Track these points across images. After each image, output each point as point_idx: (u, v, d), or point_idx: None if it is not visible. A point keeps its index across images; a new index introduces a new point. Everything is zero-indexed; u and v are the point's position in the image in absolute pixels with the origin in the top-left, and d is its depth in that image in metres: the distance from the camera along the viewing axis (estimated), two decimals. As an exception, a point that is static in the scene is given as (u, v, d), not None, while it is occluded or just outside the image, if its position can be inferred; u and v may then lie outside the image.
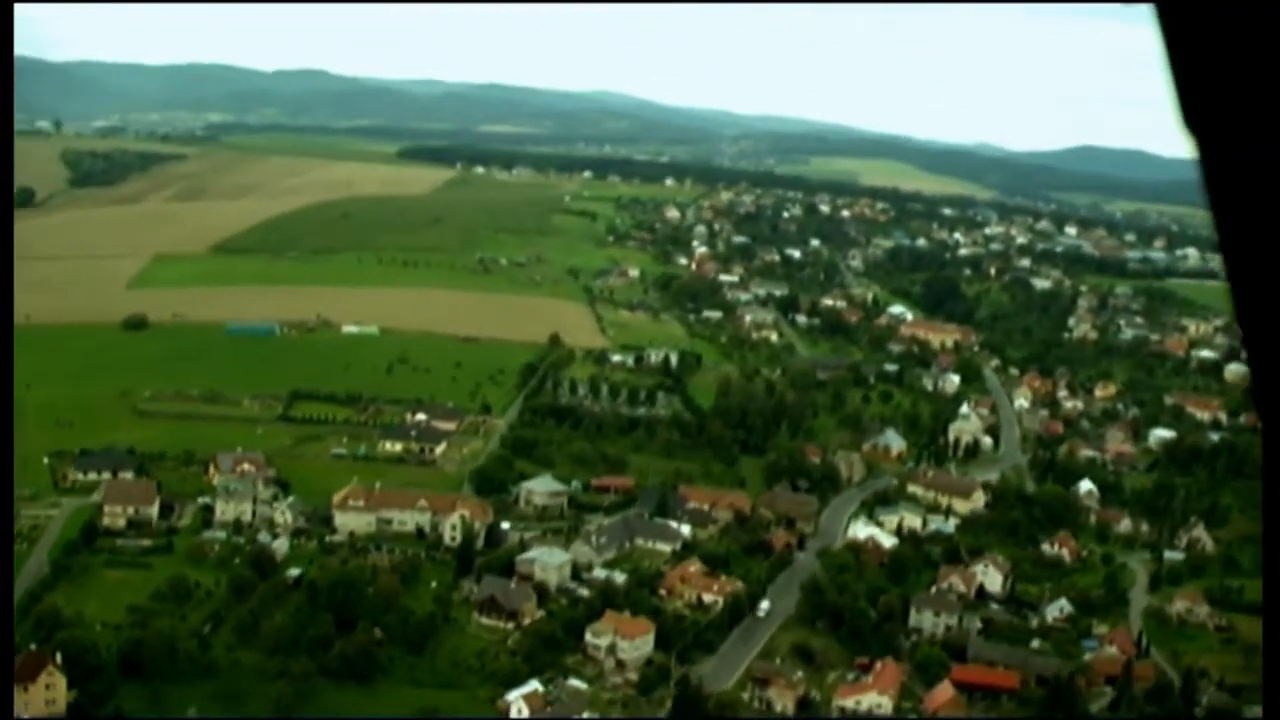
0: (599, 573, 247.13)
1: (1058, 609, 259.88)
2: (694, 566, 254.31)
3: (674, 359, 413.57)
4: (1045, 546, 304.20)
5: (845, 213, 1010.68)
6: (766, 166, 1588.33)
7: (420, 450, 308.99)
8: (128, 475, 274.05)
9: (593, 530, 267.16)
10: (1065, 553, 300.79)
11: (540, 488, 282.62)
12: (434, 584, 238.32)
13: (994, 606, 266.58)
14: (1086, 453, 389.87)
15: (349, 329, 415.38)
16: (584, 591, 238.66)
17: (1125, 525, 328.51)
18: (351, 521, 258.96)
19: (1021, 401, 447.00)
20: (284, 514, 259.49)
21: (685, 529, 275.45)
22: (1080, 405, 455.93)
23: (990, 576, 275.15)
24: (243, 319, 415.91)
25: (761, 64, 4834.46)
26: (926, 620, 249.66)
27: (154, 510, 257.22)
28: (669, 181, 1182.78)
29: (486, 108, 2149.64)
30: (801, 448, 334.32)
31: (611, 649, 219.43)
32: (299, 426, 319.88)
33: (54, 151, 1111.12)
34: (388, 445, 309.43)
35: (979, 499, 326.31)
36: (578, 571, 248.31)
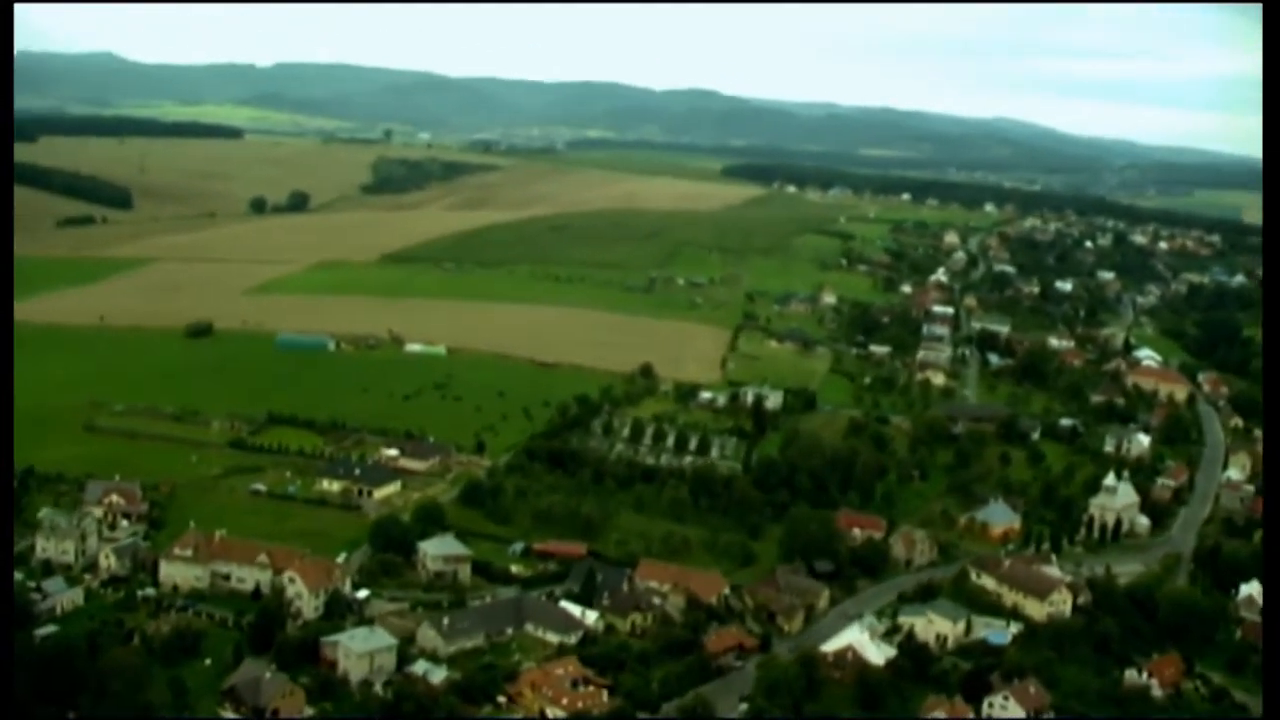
0: (420, 667, 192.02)
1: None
2: (564, 669, 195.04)
3: (775, 399, 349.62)
4: (1131, 671, 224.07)
5: (1163, 244, 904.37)
6: (1144, 198, 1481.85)
7: (359, 492, 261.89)
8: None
9: (472, 609, 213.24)
10: (1155, 683, 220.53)
11: (436, 550, 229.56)
12: (208, 661, 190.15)
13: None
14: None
15: (412, 347, 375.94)
16: (384, 692, 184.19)
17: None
18: (178, 574, 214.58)
19: (1234, 473, 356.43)
20: (108, 558, 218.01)
21: (591, 617, 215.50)
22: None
23: (1007, 712, 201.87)
24: (311, 331, 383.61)
25: (1180, 96, 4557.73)
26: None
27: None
28: (988, 207, 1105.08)
29: (870, 131, 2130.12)
30: (831, 519, 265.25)
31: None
32: (248, 454, 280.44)
33: (368, 159, 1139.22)
34: (325, 484, 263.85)
35: (1061, 601, 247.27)
36: (406, 661, 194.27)
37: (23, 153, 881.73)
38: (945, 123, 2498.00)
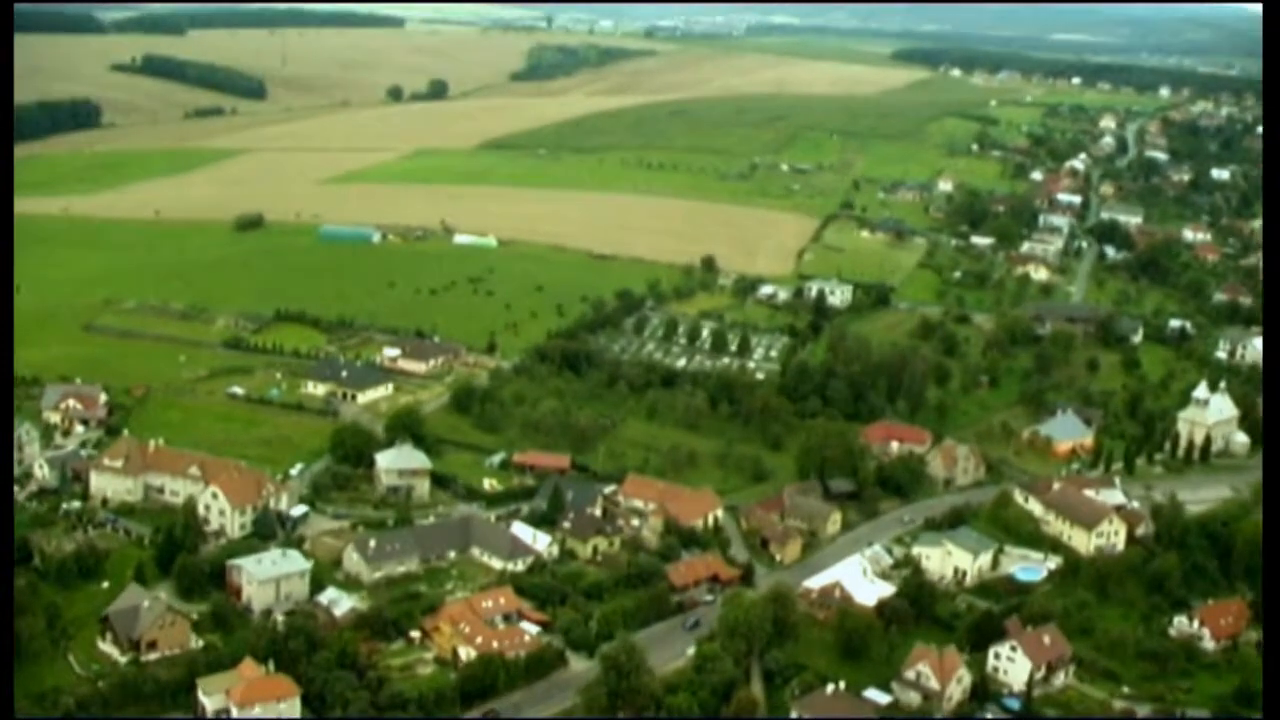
0: (327, 596, 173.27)
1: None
2: (493, 601, 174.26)
3: (843, 295, 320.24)
4: (1181, 619, 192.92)
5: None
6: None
7: (343, 396, 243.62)
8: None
9: (411, 529, 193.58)
10: (1207, 632, 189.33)
11: (390, 462, 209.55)
12: (106, 584, 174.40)
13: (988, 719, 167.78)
14: None
15: (462, 239, 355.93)
16: (275, 625, 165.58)
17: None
18: (109, 486, 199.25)
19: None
20: (41, 469, 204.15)
21: (545, 541, 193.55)
22: None
23: (1012, 666, 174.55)
24: (366, 222, 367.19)
25: None
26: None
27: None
28: (1162, 91, 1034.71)
29: (1067, 15, 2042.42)
30: (855, 432, 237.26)
31: (224, 714, 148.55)
32: (241, 354, 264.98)
33: (524, 46, 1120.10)
34: (311, 387, 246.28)
35: (1113, 532, 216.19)
36: (321, 588, 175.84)
37: (166, 46, 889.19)
38: (1145, 8, 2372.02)
